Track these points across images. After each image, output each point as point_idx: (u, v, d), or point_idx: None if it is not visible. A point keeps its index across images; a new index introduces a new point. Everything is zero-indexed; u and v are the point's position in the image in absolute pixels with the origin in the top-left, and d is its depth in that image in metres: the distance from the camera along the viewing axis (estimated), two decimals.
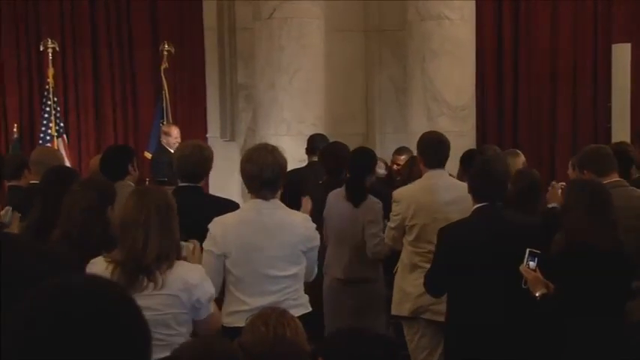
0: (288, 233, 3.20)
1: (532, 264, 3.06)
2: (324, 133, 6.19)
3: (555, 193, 4.24)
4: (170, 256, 2.67)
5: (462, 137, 6.87)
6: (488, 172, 3.42)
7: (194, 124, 8.69)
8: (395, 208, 4.08)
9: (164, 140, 7.63)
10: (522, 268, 3.10)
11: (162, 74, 8.39)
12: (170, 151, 7.50)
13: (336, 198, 4.51)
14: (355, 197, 4.38)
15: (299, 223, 3.27)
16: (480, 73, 7.89)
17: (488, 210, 3.38)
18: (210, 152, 3.77)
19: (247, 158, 3.21)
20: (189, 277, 2.70)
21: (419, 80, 7.10)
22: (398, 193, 4.12)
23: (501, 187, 3.44)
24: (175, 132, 7.60)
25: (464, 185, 3.96)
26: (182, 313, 2.71)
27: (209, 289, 2.77)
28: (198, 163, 3.69)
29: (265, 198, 3.19)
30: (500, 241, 3.32)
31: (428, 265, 3.87)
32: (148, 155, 8.10)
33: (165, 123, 8.18)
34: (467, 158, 4.96)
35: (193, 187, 3.70)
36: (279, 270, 3.19)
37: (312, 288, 4.56)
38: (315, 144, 5.74)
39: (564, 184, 4.98)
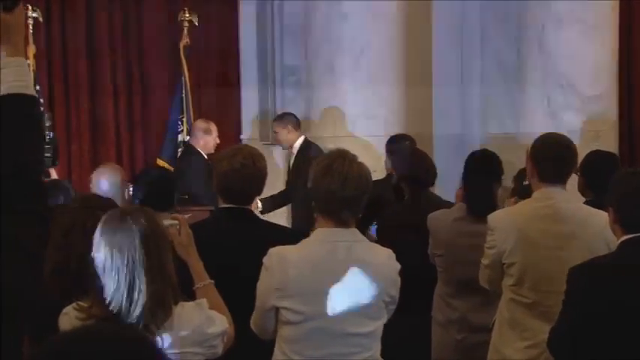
0: (370, 277, 3.22)
1: None
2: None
3: None
4: (166, 300, 2.73)
5: (597, 140, 6.81)
6: None
7: (223, 122, 8.72)
8: (489, 238, 4.06)
9: (201, 141, 7.46)
10: None
11: (181, 54, 8.46)
12: (204, 157, 7.45)
13: (455, 226, 4.54)
14: (484, 211, 4.28)
15: (383, 262, 3.30)
16: (625, 49, 7.82)
17: None
18: (265, 163, 3.86)
19: (324, 169, 3.24)
20: (196, 322, 2.81)
21: (536, 59, 7.13)
22: (494, 217, 4.08)
23: None
24: (216, 130, 7.57)
25: (596, 213, 3.88)
26: None
27: (220, 325, 2.88)
28: (253, 178, 3.75)
29: (346, 223, 3.23)
30: None
31: (534, 322, 3.85)
32: (162, 162, 8.15)
33: (184, 119, 8.23)
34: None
35: (243, 210, 3.75)
36: (353, 326, 3.21)
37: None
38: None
39: None
